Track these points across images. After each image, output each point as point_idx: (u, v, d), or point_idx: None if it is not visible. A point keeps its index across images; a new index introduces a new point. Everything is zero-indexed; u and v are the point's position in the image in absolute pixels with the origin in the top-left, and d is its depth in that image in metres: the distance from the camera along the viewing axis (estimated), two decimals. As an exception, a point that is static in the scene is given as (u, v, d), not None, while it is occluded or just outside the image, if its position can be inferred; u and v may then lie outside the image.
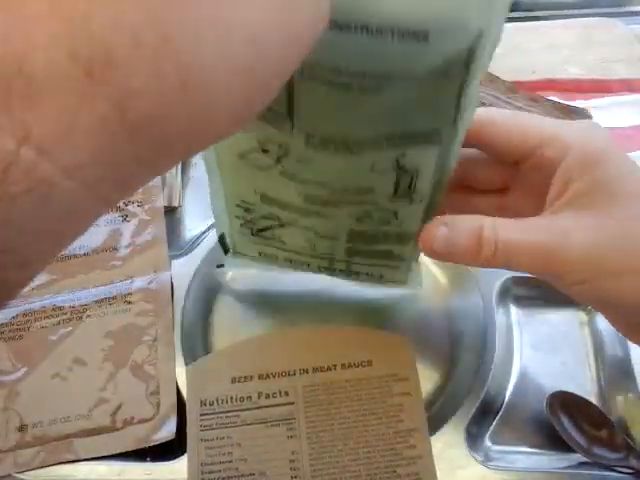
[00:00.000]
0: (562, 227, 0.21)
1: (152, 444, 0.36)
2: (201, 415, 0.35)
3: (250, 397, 0.35)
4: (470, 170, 0.27)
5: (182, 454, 0.36)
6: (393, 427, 0.34)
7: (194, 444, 0.34)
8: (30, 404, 0.38)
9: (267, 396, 0.35)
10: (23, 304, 0.41)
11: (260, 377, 0.36)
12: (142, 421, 0.37)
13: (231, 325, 0.42)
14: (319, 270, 0.38)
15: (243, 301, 0.43)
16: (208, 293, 0.44)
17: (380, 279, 0.37)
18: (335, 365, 0.36)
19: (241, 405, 0.35)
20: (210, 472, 0.34)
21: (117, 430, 0.37)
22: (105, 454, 0.36)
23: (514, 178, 0.25)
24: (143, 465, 0.36)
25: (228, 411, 0.35)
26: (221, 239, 0.38)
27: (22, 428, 0.37)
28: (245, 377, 0.36)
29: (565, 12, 0.67)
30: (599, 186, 0.21)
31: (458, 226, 0.23)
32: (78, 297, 0.42)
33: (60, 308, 0.41)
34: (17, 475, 0.35)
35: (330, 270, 0.37)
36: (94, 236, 0.44)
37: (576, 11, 0.67)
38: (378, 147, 0.24)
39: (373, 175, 0.25)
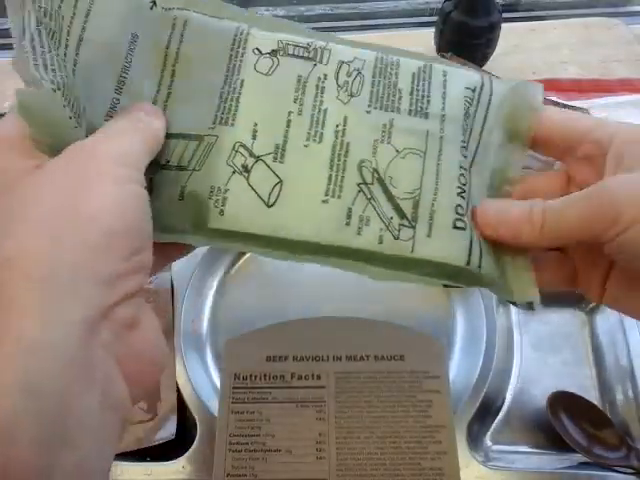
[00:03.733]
0: (610, 181, 0.22)
1: (152, 444, 0.36)
2: (234, 388, 0.36)
3: (283, 376, 0.36)
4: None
5: (182, 454, 0.36)
6: (421, 422, 0.35)
7: (225, 415, 0.35)
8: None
9: (299, 377, 0.36)
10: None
11: (294, 359, 0.37)
12: (142, 421, 0.37)
13: (232, 323, 0.42)
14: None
15: (244, 300, 0.43)
16: (208, 292, 0.44)
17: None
18: (368, 356, 0.37)
19: (274, 383, 0.36)
20: (238, 443, 0.34)
21: (117, 430, 0.37)
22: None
23: (567, 179, 0.26)
24: (143, 465, 0.36)
25: (261, 387, 0.36)
26: None
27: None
28: (280, 357, 0.37)
29: (565, 12, 0.67)
30: None
31: (509, 200, 0.25)
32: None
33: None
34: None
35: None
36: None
37: (576, 11, 0.67)
38: None
39: None
